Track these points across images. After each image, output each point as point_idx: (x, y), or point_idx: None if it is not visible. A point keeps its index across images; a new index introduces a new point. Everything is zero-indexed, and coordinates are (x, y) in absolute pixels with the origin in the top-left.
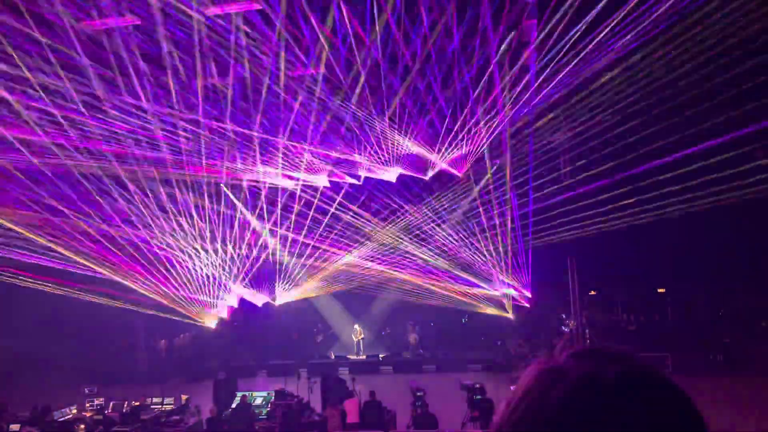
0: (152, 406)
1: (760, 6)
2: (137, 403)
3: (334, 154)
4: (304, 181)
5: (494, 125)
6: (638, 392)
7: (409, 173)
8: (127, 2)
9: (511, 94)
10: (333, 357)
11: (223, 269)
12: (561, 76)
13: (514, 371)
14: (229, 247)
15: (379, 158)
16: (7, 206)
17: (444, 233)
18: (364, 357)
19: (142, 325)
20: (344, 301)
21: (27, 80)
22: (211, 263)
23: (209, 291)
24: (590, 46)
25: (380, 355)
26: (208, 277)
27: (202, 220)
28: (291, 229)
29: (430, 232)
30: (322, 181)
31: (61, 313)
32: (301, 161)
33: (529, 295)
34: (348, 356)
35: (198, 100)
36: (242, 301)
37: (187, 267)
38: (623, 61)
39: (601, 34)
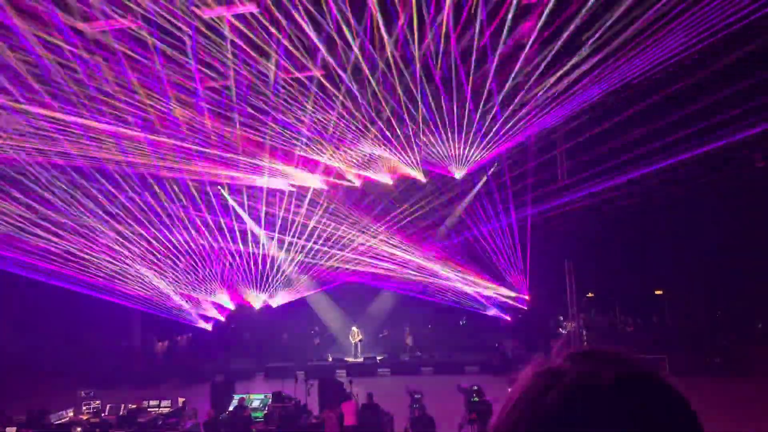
0: (149, 409)
1: None
2: (134, 406)
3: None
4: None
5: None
6: (635, 394)
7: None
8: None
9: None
10: (330, 359)
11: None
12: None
13: (511, 373)
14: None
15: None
16: None
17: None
18: (362, 359)
19: (139, 328)
20: (342, 303)
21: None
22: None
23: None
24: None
25: (378, 357)
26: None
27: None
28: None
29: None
30: (315, 182)
31: (59, 314)
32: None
33: (526, 297)
34: (345, 358)
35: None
36: (239, 304)
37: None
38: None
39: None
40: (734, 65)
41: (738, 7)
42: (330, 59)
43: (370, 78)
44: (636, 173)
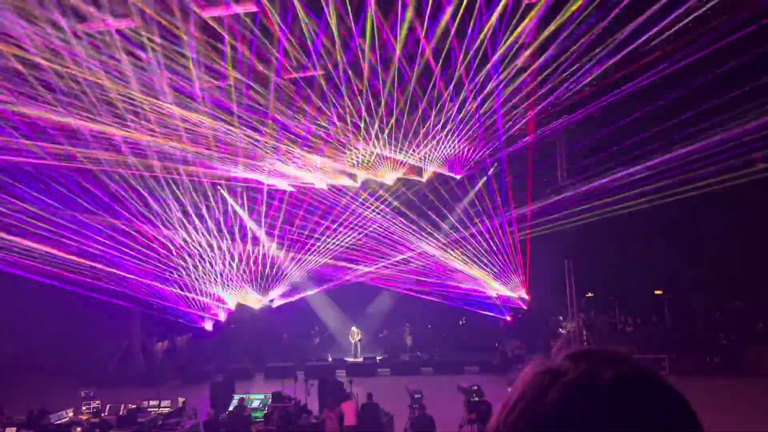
0: (149, 409)
1: None
2: (134, 406)
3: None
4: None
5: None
6: (635, 394)
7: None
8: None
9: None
10: (330, 359)
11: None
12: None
13: (511, 373)
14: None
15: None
16: None
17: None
18: (362, 359)
19: (139, 328)
20: (341, 302)
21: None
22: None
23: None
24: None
25: (378, 357)
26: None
27: (203, 223)
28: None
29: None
30: (319, 182)
31: (58, 315)
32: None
33: (526, 297)
34: (345, 358)
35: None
36: (239, 304)
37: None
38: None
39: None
40: (738, 69)
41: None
42: (334, 58)
43: (366, 79)
44: (636, 172)
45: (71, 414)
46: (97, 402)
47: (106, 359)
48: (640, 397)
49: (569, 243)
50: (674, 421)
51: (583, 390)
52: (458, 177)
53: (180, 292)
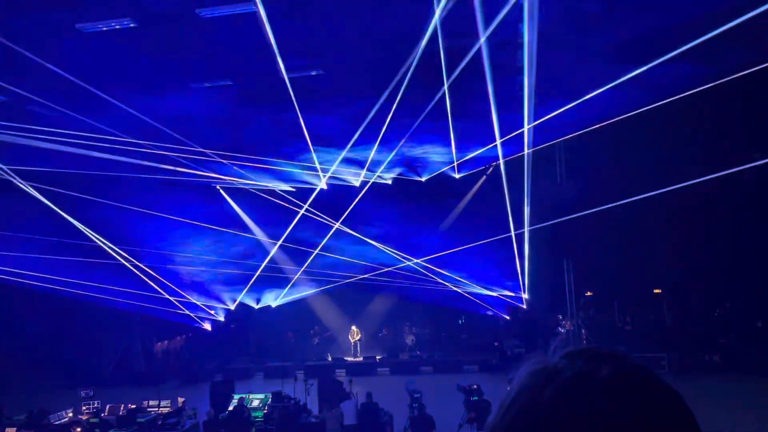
0: (149, 409)
1: None
2: (134, 406)
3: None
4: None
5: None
6: (630, 391)
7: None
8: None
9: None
10: (330, 359)
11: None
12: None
13: (510, 372)
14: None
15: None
16: None
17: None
18: (361, 359)
19: (139, 328)
20: (341, 302)
21: None
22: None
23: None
24: None
25: (377, 357)
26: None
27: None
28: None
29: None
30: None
31: (58, 315)
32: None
33: (525, 296)
34: (345, 358)
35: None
36: (239, 303)
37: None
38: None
39: None
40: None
41: None
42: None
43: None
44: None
45: (71, 414)
46: (97, 402)
47: (106, 359)
48: (636, 395)
49: (569, 243)
50: (670, 419)
51: (580, 388)
52: (457, 176)
53: (179, 292)
